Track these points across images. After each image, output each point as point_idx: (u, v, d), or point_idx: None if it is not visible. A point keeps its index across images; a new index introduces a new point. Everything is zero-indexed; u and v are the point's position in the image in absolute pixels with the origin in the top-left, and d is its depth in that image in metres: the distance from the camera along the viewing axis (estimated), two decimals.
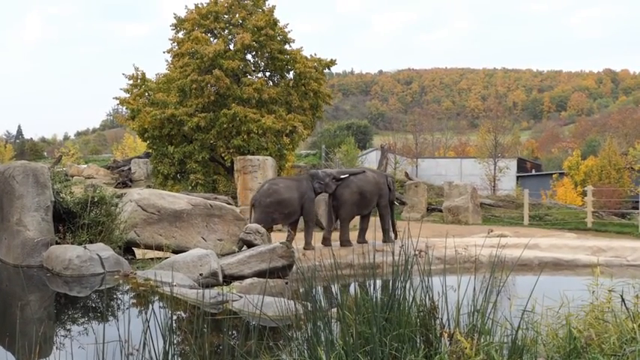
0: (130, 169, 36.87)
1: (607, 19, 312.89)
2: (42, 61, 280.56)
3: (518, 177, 43.20)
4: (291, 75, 30.17)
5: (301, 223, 13.12)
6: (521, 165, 47.82)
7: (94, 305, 6.50)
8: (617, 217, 25.59)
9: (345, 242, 12.86)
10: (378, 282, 4.38)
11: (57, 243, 8.16)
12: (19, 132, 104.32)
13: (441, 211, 24.71)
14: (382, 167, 30.42)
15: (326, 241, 12.80)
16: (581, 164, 41.76)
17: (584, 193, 29.10)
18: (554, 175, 41.75)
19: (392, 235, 13.57)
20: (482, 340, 3.68)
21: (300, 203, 12.59)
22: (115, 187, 27.36)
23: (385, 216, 13.69)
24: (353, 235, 13.41)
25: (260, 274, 8.39)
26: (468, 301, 4.02)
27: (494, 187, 37.28)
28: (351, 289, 4.59)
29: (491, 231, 15.79)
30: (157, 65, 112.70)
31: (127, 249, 9.46)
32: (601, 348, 3.66)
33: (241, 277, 8.33)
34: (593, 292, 4.57)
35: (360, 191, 13.13)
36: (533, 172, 47.91)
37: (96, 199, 8.72)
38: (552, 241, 13.28)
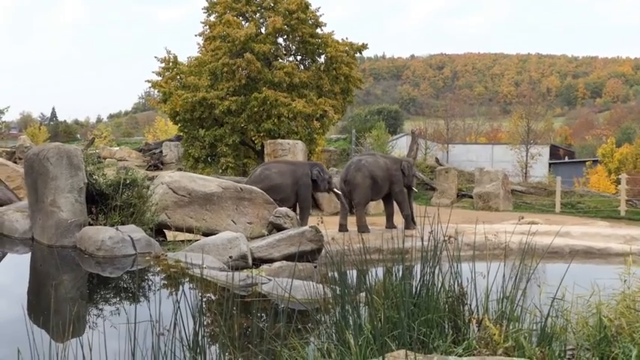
0: (161, 151, 37.14)
1: None
2: (76, 45, 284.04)
3: (550, 164, 42.71)
4: (322, 59, 30.09)
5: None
6: (554, 152, 47.23)
7: (125, 286, 6.59)
8: None
9: (362, 228, 12.70)
10: (407, 267, 4.38)
11: (90, 224, 8.26)
12: (53, 114, 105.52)
13: (471, 197, 24.55)
14: (413, 153, 30.26)
15: (342, 228, 12.76)
16: (616, 152, 41.24)
17: (617, 181, 28.72)
18: (587, 163, 41.29)
19: (412, 221, 13.45)
20: (510, 327, 3.68)
21: (294, 189, 12.54)
22: (147, 170, 27.60)
23: (402, 202, 13.53)
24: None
25: (289, 258, 8.43)
26: (497, 287, 4.01)
27: (525, 173, 36.92)
28: (380, 273, 4.60)
29: (522, 218, 15.64)
30: (189, 48, 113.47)
31: (158, 231, 9.54)
32: (632, 337, 3.63)
33: (270, 260, 8.38)
34: (625, 280, 4.52)
35: (371, 175, 13.05)
36: (566, 160, 47.33)
37: (128, 182, 8.80)
38: (584, 229, 13.16)
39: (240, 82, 27.61)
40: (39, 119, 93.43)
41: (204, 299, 5.56)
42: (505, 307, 3.90)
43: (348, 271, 4.54)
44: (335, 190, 13.25)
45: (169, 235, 9.80)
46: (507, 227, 10.63)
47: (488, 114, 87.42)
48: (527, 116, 39.88)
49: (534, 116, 40.78)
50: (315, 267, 7.65)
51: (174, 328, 3.46)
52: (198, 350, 3.51)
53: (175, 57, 30.28)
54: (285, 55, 30.40)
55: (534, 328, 3.79)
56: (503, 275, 4.04)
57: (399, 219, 13.57)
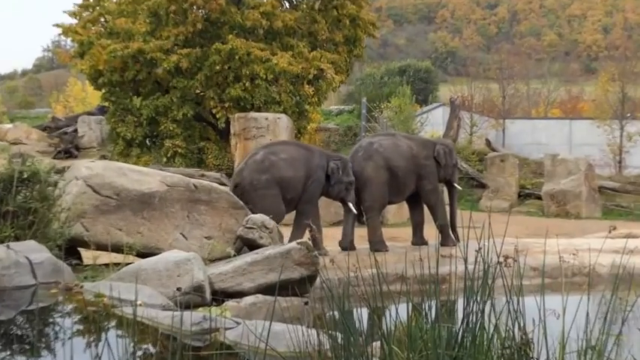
0: (76, 130, 37.17)
1: None
2: None
3: None
4: None
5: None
6: None
7: (20, 333, 6.57)
8: None
9: (376, 244, 12.52)
10: (444, 303, 4.37)
11: None
12: None
13: (539, 197, 24.66)
14: (452, 132, 30.25)
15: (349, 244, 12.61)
16: None
17: None
18: None
19: (451, 233, 13.37)
20: None
21: (304, 185, 12.24)
22: (55, 158, 27.65)
23: (436, 206, 13.36)
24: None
25: (267, 290, 8.42)
26: (578, 332, 4.00)
27: (620, 163, 36.98)
28: (402, 313, 4.58)
29: (615, 229, 15.60)
30: None
31: (71, 249, 9.52)
32: None
33: (239, 294, 8.38)
34: None
35: (389, 166, 12.74)
36: None
37: (25, 176, 8.78)
38: None
39: (194, 28, 27.55)
40: None
41: (140, 353, 5.54)
42: None
43: (355, 310, 4.53)
44: (350, 204, 12.73)
45: (87, 255, 9.79)
46: (593, 243, 10.65)
47: (564, 74, 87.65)
48: (621, 78, 39.92)
49: (632, 77, 40.82)
50: (307, 303, 7.64)
51: None
52: None
53: None
54: None
55: None
56: (587, 314, 4.03)
57: (431, 231, 13.55)
